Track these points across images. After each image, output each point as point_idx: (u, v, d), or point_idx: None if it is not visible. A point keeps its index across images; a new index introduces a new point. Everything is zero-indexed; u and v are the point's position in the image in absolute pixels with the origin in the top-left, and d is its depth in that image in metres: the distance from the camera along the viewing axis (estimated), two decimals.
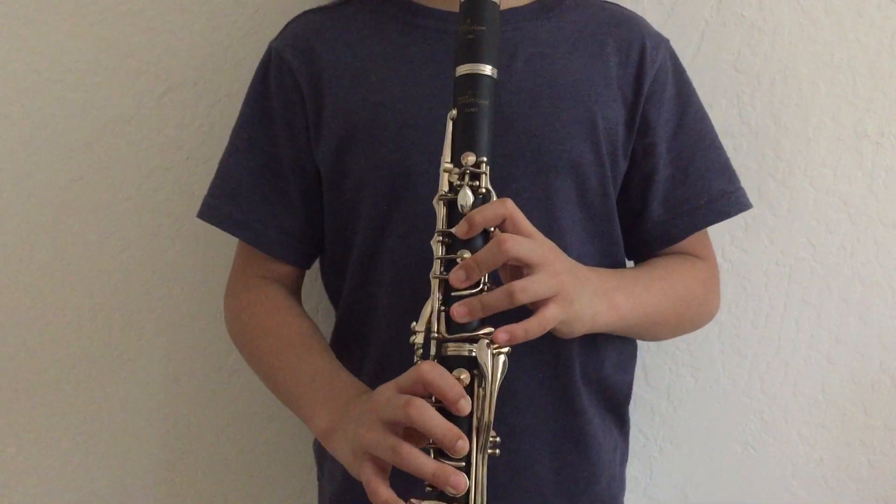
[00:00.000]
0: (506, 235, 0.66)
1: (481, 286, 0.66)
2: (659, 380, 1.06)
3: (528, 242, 0.68)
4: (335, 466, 0.86)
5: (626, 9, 0.89)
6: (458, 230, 0.66)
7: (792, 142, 1.01)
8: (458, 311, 0.65)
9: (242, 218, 0.85)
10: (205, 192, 0.87)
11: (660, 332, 0.88)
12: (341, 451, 0.72)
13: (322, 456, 0.91)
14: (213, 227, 0.87)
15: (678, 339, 1.03)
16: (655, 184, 0.85)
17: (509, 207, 0.68)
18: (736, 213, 0.86)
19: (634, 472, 1.06)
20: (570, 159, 0.80)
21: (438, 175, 0.69)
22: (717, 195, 0.85)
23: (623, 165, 0.84)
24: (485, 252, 0.66)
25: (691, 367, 1.06)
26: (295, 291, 0.90)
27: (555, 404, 0.81)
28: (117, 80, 1.00)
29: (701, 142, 0.87)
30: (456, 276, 0.66)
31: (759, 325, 1.04)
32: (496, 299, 0.66)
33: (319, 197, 0.86)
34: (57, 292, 1.03)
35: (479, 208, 0.67)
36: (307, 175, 0.85)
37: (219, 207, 0.86)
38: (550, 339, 0.75)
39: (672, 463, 1.07)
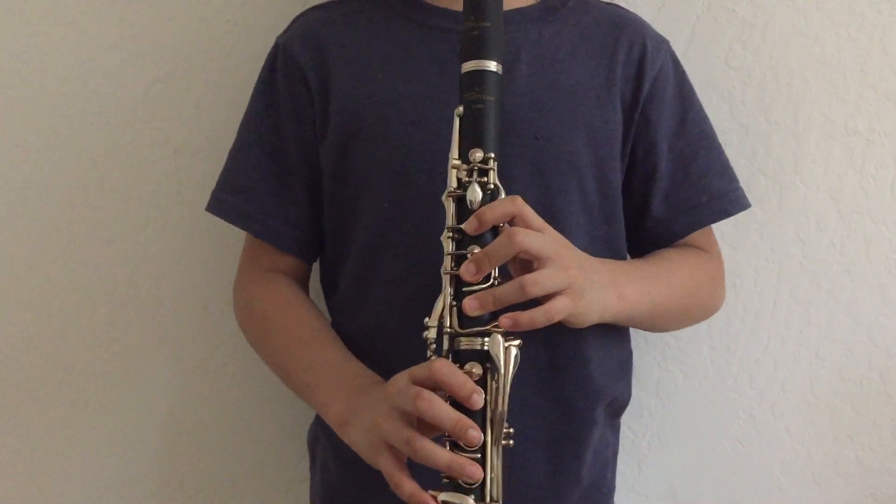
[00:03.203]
0: (516, 228, 0.67)
1: (492, 280, 0.66)
2: (648, 376, 1.05)
3: (538, 236, 0.68)
4: (328, 458, 0.86)
5: (627, 10, 0.91)
6: (468, 226, 0.67)
7: (782, 138, 1.01)
8: (470, 304, 0.65)
9: (250, 211, 0.85)
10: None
11: (667, 323, 0.89)
12: (358, 441, 0.72)
13: (315, 447, 0.91)
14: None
15: (667, 334, 1.03)
16: (657, 182, 0.86)
17: (518, 205, 0.68)
18: (736, 212, 0.88)
19: (623, 467, 1.05)
20: (571, 161, 0.81)
21: (442, 174, 0.69)
22: (718, 194, 0.87)
23: (622, 167, 0.85)
24: (495, 245, 0.66)
25: (680, 362, 1.06)
26: (302, 284, 0.90)
27: (553, 409, 0.81)
28: (103, 71, 0.99)
29: (702, 141, 0.88)
30: (466, 270, 0.66)
31: (749, 322, 1.04)
32: (507, 292, 0.66)
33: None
34: (42, 286, 1.02)
35: (489, 205, 0.67)
36: (313, 169, 0.85)
37: (226, 201, 0.87)
38: (545, 343, 0.76)
39: (660, 459, 1.07)
